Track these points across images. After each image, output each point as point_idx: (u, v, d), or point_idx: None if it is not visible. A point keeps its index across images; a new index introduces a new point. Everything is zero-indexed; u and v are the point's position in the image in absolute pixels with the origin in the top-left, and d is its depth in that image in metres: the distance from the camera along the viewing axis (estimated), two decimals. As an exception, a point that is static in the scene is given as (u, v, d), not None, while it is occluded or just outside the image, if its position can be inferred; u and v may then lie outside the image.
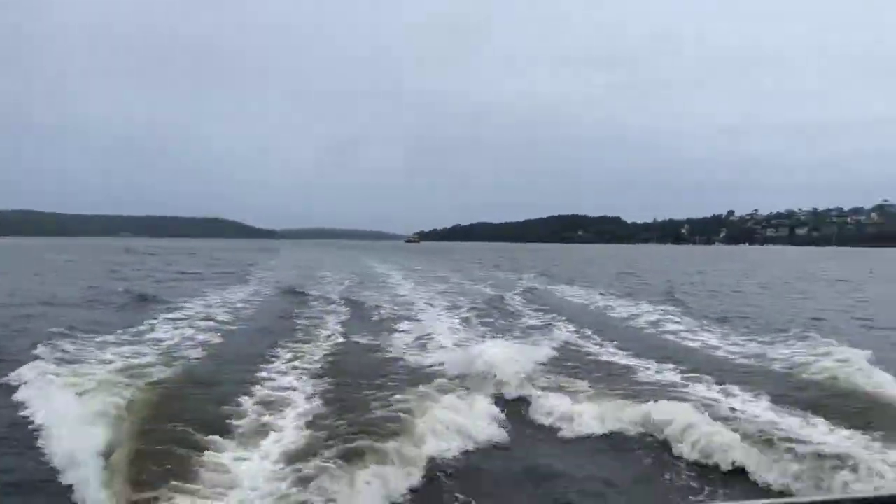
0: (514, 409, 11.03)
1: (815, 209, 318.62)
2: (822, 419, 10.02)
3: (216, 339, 17.48)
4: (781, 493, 7.71)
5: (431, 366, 13.97)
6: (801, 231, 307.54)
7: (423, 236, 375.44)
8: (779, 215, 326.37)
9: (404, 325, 20.62)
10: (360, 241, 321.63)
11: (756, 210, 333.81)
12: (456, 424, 9.63)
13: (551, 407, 10.90)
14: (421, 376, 12.79)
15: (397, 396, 10.91)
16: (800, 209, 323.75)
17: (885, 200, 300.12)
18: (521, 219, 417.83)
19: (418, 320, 21.82)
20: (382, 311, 24.10)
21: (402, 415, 9.72)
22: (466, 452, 8.97)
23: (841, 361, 14.03)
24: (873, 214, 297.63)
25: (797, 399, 11.35)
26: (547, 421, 10.53)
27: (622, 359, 15.69)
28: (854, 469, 7.67)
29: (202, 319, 20.81)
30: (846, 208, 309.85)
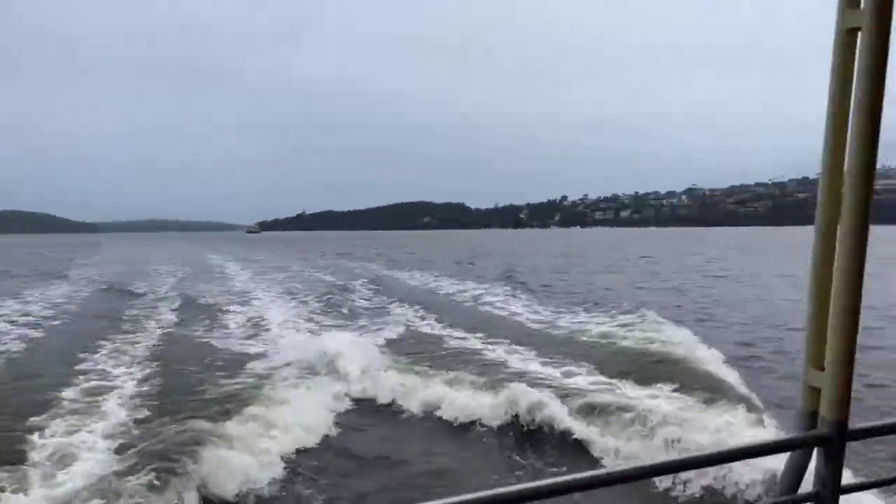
0: (355, 393, 11.26)
1: (637, 193, 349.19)
2: (607, 372, 11.74)
3: (37, 334, 16.97)
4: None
5: (270, 356, 13.84)
6: (625, 213, 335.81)
7: (266, 226, 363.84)
8: (605, 199, 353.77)
9: (241, 317, 20.44)
10: (196, 233, 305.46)
11: (586, 195, 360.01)
12: (295, 411, 9.69)
13: (391, 389, 11.24)
14: (259, 366, 12.71)
15: (233, 387, 11.05)
16: (623, 193, 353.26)
17: (694, 185, 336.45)
18: (369, 206, 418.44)
19: (257, 311, 21.61)
20: (218, 303, 23.73)
21: (238, 405, 9.66)
22: (305, 439, 9.01)
23: (632, 325, 16.54)
24: (683, 197, 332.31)
25: (583, 356, 13.20)
26: (387, 400, 10.96)
27: (458, 337, 16.49)
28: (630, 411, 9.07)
29: (20, 315, 19.90)
30: (662, 192, 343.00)
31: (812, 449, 1.66)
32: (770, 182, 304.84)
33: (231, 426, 8.74)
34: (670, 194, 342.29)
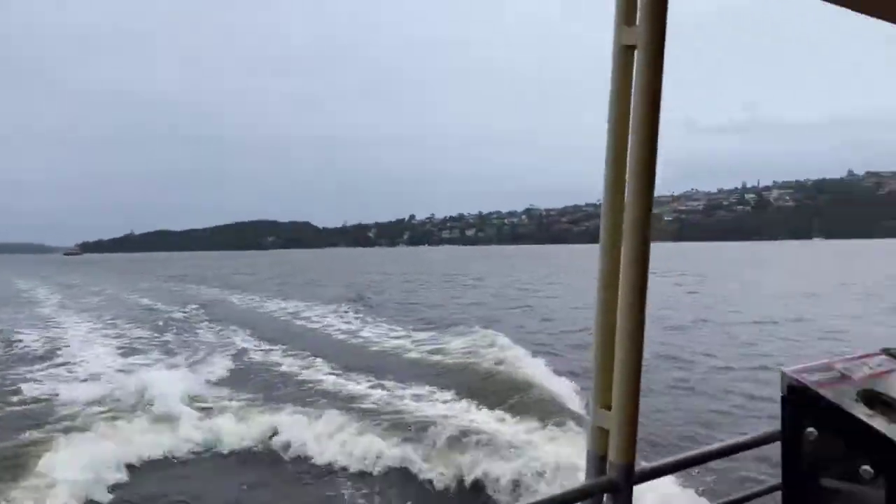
0: (177, 433, 10.37)
1: (480, 213, 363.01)
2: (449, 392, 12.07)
3: None
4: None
5: (69, 390, 12.83)
6: (470, 232, 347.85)
7: (89, 248, 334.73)
8: (452, 218, 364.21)
9: (48, 350, 18.66)
10: (5, 256, 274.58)
11: (433, 214, 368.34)
12: (105, 456, 9.07)
13: (214, 427, 10.49)
14: (65, 406, 11.79)
15: (21, 426, 10.44)
16: (468, 213, 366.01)
17: (531, 205, 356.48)
18: (208, 225, 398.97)
19: (66, 343, 19.84)
20: (21, 335, 21.46)
21: (36, 450, 9.03)
22: (117, 486, 8.53)
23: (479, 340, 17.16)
24: (523, 217, 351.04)
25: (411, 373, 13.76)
26: (206, 442, 10.13)
27: (295, 364, 15.82)
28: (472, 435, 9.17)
29: None
30: (504, 211, 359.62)
31: (602, 496, 1.60)
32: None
33: (15, 472, 8.29)
34: (511, 214, 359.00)
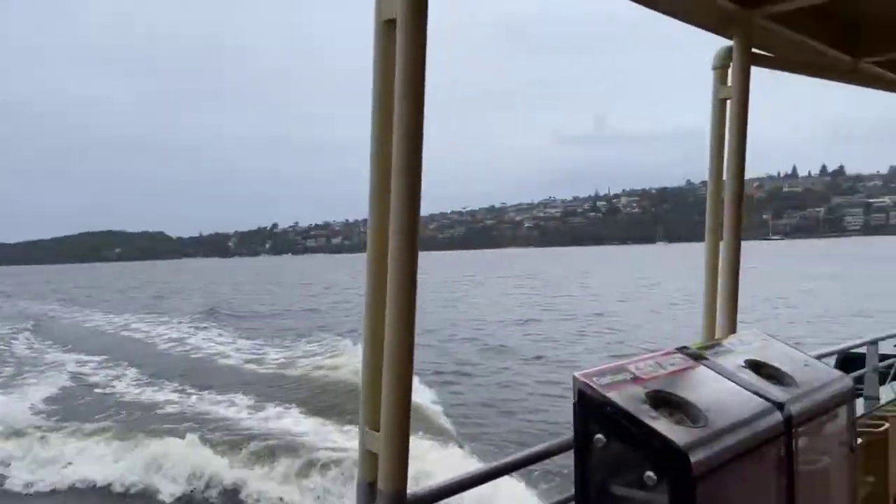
0: None
1: (347, 221, 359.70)
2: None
3: None
4: None
5: None
6: (336, 240, 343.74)
7: None
8: (317, 226, 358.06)
9: None
10: None
11: (297, 222, 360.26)
12: None
13: (36, 459, 10.34)
14: None
15: None
16: (335, 221, 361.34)
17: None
18: (47, 237, 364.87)
19: None
20: None
21: None
22: None
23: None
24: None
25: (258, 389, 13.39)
26: (34, 476, 10.04)
27: (106, 376, 15.41)
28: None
29: None
30: (361, 219, 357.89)
31: None
32: (464, 210, 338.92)
33: None
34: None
